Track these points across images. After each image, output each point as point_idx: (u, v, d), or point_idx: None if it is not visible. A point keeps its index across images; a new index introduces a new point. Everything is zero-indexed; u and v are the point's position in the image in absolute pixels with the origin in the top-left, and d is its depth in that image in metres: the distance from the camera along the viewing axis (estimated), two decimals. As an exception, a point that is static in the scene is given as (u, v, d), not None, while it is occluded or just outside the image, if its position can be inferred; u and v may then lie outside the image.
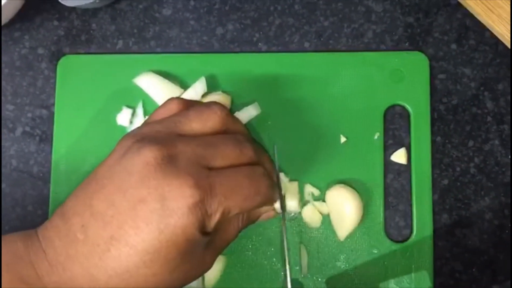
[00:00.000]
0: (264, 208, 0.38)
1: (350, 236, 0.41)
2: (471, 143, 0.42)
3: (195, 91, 0.42)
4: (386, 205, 0.42)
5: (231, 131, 0.35)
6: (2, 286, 0.29)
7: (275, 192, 0.38)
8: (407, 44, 0.44)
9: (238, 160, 0.32)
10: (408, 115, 0.42)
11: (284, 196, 0.41)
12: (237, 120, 0.37)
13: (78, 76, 0.44)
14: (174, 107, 0.34)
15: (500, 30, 0.40)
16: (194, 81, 0.43)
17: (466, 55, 0.43)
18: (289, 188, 0.41)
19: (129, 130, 0.43)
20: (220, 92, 0.43)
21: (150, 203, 0.28)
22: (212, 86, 0.43)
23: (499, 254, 0.41)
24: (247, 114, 0.42)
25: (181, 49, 0.45)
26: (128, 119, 0.43)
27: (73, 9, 0.46)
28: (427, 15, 0.44)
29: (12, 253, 0.30)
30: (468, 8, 0.42)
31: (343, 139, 0.42)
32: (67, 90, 0.44)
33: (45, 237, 0.30)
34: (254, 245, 0.41)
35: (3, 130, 0.45)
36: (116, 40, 0.46)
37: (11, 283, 0.29)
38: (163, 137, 0.31)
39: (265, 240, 0.41)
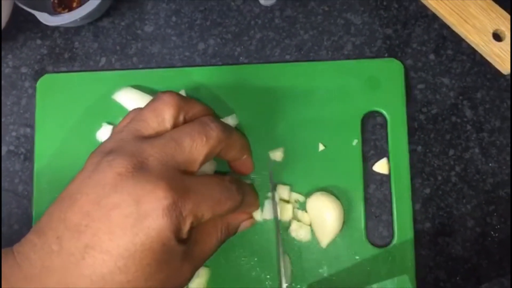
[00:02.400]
0: (243, 217, 0.38)
1: (333, 243, 0.41)
2: (451, 152, 0.43)
3: None
4: (367, 211, 0.42)
5: (193, 113, 0.35)
6: None
7: (250, 197, 0.38)
8: (386, 55, 0.44)
9: (207, 148, 0.32)
10: (386, 123, 0.43)
11: (277, 205, 0.41)
12: (191, 100, 0.35)
13: (58, 94, 0.45)
14: (131, 114, 0.35)
15: (474, 40, 0.40)
16: None
17: (444, 65, 0.44)
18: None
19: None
20: None
21: (124, 208, 0.28)
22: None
23: (482, 261, 0.41)
24: None
25: (163, 65, 0.46)
26: (109, 135, 0.43)
27: (55, 27, 0.46)
28: (405, 27, 0.45)
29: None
30: (444, 19, 0.42)
31: (321, 147, 0.42)
32: (47, 108, 0.44)
33: (20, 252, 0.30)
34: (237, 256, 0.41)
35: (-12, 149, 0.45)
36: (99, 58, 0.46)
37: None
38: (129, 145, 0.31)
39: (248, 250, 0.41)
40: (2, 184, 0.45)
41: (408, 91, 0.43)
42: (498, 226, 0.41)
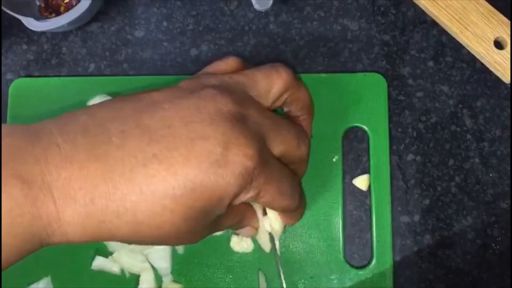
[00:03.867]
0: (252, 222, 0.37)
1: (310, 263, 0.39)
2: (451, 162, 0.41)
3: None
4: (346, 230, 0.40)
5: (297, 96, 0.35)
6: None
7: (299, 203, 0.36)
8: (384, 62, 0.43)
9: (292, 151, 0.32)
10: (368, 139, 0.41)
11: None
12: (301, 86, 0.36)
13: (30, 100, 0.43)
14: (234, 64, 0.35)
15: (475, 47, 0.39)
16: None
17: (443, 72, 0.43)
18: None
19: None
20: None
21: (211, 144, 0.27)
22: None
23: (483, 274, 0.40)
24: None
25: (154, 71, 0.44)
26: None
27: (42, 32, 0.45)
28: (403, 33, 0.43)
29: (10, 146, 0.25)
30: (444, 26, 0.41)
31: None
32: (18, 115, 0.43)
33: (63, 130, 0.26)
34: (212, 273, 0.40)
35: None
36: (87, 64, 0.45)
37: (6, 183, 0.24)
38: (236, 92, 0.30)
39: (224, 268, 0.40)
40: None
41: (390, 106, 0.42)
42: (499, 238, 0.40)
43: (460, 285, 0.40)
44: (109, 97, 0.42)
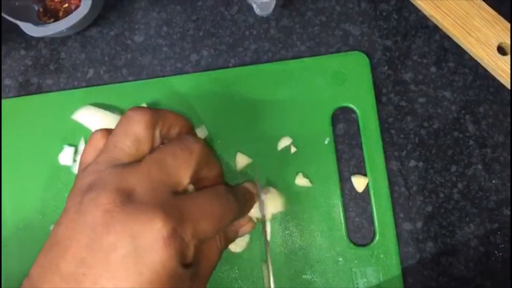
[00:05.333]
0: (241, 223, 0.37)
1: (314, 245, 0.40)
2: (453, 168, 0.41)
3: None
4: (347, 210, 0.41)
5: (169, 125, 0.32)
6: None
7: (244, 201, 0.36)
8: (386, 67, 0.43)
9: (192, 163, 0.30)
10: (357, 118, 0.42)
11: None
12: (163, 111, 0.32)
13: (14, 120, 0.43)
14: (99, 140, 0.32)
15: (478, 53, 0.39)
16: None
17: (445, 78, 0.42)
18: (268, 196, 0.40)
19: (72, 168, 0.42)
20: None
21: (121, 248, 0.26)
22: None
23: (486, 281, 0.40)
24: None
25: (154, 77, 0.44)
26: (71, 157, 0.42)
27: (41, 37, 0.44)
28: (405, 38, 0.43)
29: None
30: (446, 32, 0.41)
31: (293, 149, 0.41)
32: (4, 136, 0.43)
33: None
34: (219, 269, 0.40)
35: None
36: (86, 69, 0.44)
37: None
38: (110, 177, 0.29)
39: (229, 262, 0.40)
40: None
41: (376, 86, 0.42)
42: (502, 245, 0.40)
43: (463, 292, 0.40)
44: (94, 108, 0.42)
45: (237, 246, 0.40)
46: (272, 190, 0.40)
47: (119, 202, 0.27)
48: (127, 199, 0.27)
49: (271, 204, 0.40)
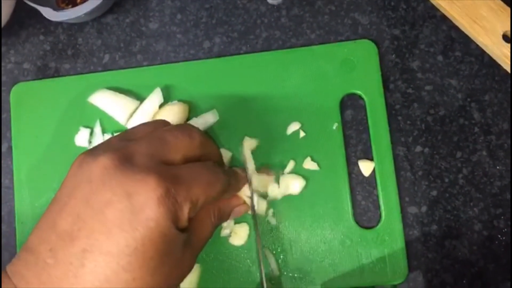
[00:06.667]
0: (235, 203, 0.39)
1: (321, 227, 0.41)
2: (459, 154, 0.42)
3: (151, 103, 0.42)
4: (353, 194, 0.42)
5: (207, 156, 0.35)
6: None
7: (234, 179, 0.38)
8: (393, 56, 0.44)
9: (190, 147, 0.32)
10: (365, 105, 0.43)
11: (253, 195, 0.41)
12: (212, 145, 0.37)
13: (32, 103, 0.44)
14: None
15: (484, 41, 0.40)
16: (150, 93, 0.43)
17: (452, 66, 0.43)
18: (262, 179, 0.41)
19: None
20: (176, 102, 0.43)
21: (117, 203, 0.27)
22: (168, 97, 0.43)
23: (489, 265, 0.41)
24: (204, 120, 0.42)
25: (168, 62, 0.45)
26: (87, 139, 0.43)
27: (59, 23, 0.46)
28: (413, 27, 0.44)
29: None
30: (453, 20, 0.42)
31: (302, 134, 0.42)
32: (22, 119, 0.44)
33: (13, 272, 0.28)
34: (227, 250, 0.41)
35: (-12, 146, 0.44)
36: (102, 54, 0.46)
37: None
38: (115, 144, 0.31)
39: (232, 254, 0.41)
40: (3, 181, 0.44)
41: (384, 73, 0.43)
42: (505, 230, 0.41)
43: (467, 275, 0.41)
44: (109, 91, 0.43)
45: (240, 239, 0.41)
46: (287, 173, 0.42)
47: (117, 162, 0.28)
48: (125, 161, 0.29)
49: (286, 186, 0.41)
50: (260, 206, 0.40)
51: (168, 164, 0.30)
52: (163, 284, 0.29)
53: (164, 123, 0.36)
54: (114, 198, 0.27)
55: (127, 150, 0.30)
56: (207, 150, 0.35)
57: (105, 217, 0.27)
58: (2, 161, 0.44)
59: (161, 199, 0.28)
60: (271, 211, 0.41)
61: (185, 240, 0.31)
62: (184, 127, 0.34)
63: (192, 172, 0.31)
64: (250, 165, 0.41)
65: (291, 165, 0.42)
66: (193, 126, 0.34)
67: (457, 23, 0.42)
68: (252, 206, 0.40)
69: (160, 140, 0.31)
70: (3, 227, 0.43)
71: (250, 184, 0.40)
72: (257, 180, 0.41)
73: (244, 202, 0.40)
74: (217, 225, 0.36)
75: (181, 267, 0.31)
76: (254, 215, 0.40)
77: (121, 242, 0.27)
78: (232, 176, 0.38)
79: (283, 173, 0.42)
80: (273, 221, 0.41)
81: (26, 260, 0.28)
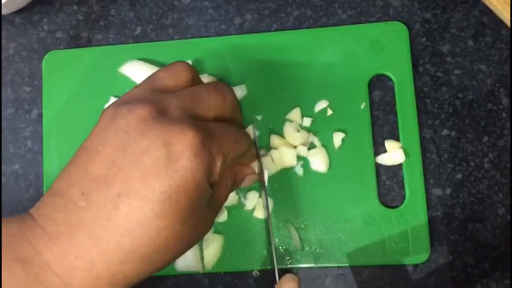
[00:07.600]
0: (247, 171, 0.39)
1: (344, 205, 0.41)
2: (485, 139, 0.42)
3: None
4: (378, 173, 0.42)
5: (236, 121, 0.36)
6: None
7: (252, 147, 0.38)
8: (424, 39, 0.44)
9: (223, 107, 0.33)
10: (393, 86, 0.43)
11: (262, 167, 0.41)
12: (238, 108, 0.37)
13: (64, 71, 0.45)
14: (183, 78, 0.34)
15: (517, 25, 0.40)
16: None
17: (482, 51, 0.43)
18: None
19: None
20: (206, 75, 0.43)
21: (154, 152, 0.27)
22: (198, 70, 0.44)
23: (511, 249, 0.41)
24: None
25: (199, 37, 0.45)
26: None
27: (93, -6, 0.46)
28: (445, 11, 0.44)
29: (6, 234, 0.28)
30: (487, 3, 0.42)
31: (329, 112, 0.42)
32: (53, 86, 0.45)
33: (40, 215, 0.28)
34: (249, 223, 0.42)
35: (19, 112, 0.45)
36: (134, 27, 0.46)
37: (7, 264, 0.27)
38: (148, 96, 0.31)
39: (257, 227, 0.42)
40: (32, 146, 0.45)
41: (413, 56, 0.43)
42: (529, 215, 0.41)
43: (488, 259, 0.41)
44: (140, 62, 0.44)
45: (259, 212, 0.42)
46: (318, 148, 0.42)
47: (154, 113, 0.29)
48: (162, 113, 0.29)
49: (316, 161, 0.42)
50: (290, 155, 0.41)
51: (201, 120, 0.31)
52: (187, 238, 0.30)
53: (184, 65, 0.34)
54: (152, 146, 0.28)
55: (163, 104, 0.30)
56: (236, 113, 0.35)
57: (142, 164, 0.27)
58: (32, 127, 0.45)
59: (198, 150, 0.28)
60: (300, 162, 0.42)
61: (209, 198, 0.31)
62: (218, 86, 0.34)
63: (221, 128, 0.32)
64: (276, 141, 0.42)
65: (317, 142, 0.42)
66: (227, 86, 0.35)
67: (491, 7, 0.42)
68: (262, 175, 0.41)
69: (194, 96, 0.32)
70: (30, 191, 0.44)
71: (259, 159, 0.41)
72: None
73: (254, 172, 0.40)
74: (231, 191, 0.37)
75: (203, 224, 0.32)
76: (264, 186, 0.41)
77: (156, 189, 0.27)
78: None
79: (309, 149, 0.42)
80: (300, 172, 0.42)
81: (54, 203, 0.28)
